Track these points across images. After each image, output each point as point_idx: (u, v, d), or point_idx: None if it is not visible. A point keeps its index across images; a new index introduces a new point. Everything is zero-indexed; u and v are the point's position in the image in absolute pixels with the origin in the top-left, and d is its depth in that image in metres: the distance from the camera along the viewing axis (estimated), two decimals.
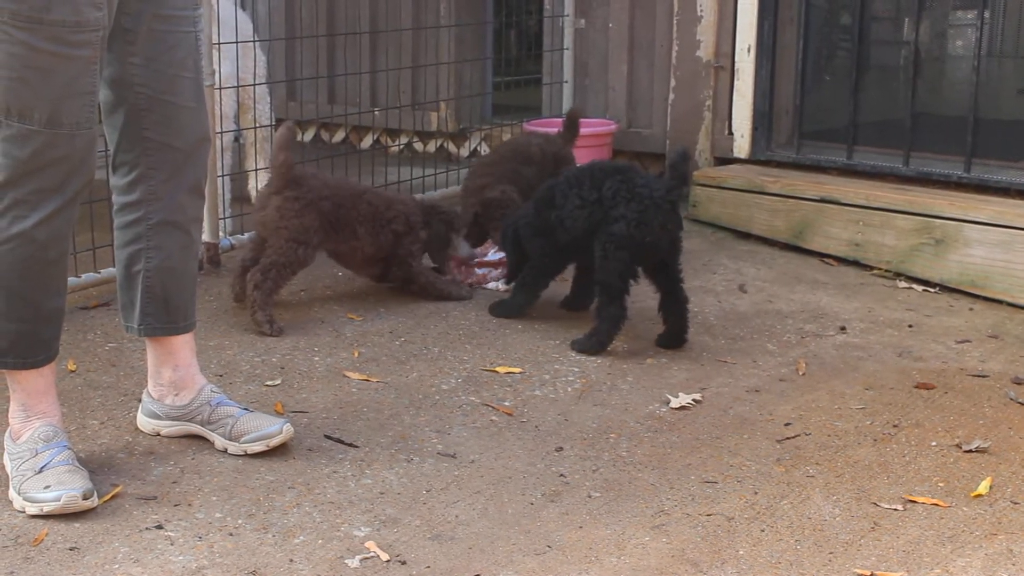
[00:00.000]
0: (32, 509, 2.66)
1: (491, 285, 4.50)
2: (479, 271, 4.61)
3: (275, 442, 2.98)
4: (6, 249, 2.66)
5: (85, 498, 2.66)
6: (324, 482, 2.86)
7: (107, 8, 2.65)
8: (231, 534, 2.61)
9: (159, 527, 2.63)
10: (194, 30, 2.89)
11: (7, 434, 2.84)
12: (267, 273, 3.95)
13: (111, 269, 4.19)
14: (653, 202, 3.74)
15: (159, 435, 3.09)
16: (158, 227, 2.93)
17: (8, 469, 2.78)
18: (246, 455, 2.98)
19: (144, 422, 3.11)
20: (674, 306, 3.86)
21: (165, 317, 3.00)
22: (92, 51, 2.63)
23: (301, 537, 2.60)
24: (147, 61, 2.81)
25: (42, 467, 2.72)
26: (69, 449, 2.79)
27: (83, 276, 4.17)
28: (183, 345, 3.06)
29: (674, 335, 3.87)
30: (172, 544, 2.56)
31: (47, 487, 2.66)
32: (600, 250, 3.78)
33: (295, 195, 4.01)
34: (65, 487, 2.66)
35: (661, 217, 3.75)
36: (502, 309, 4.11)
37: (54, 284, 2.77)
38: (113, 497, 2.75)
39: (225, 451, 3.00)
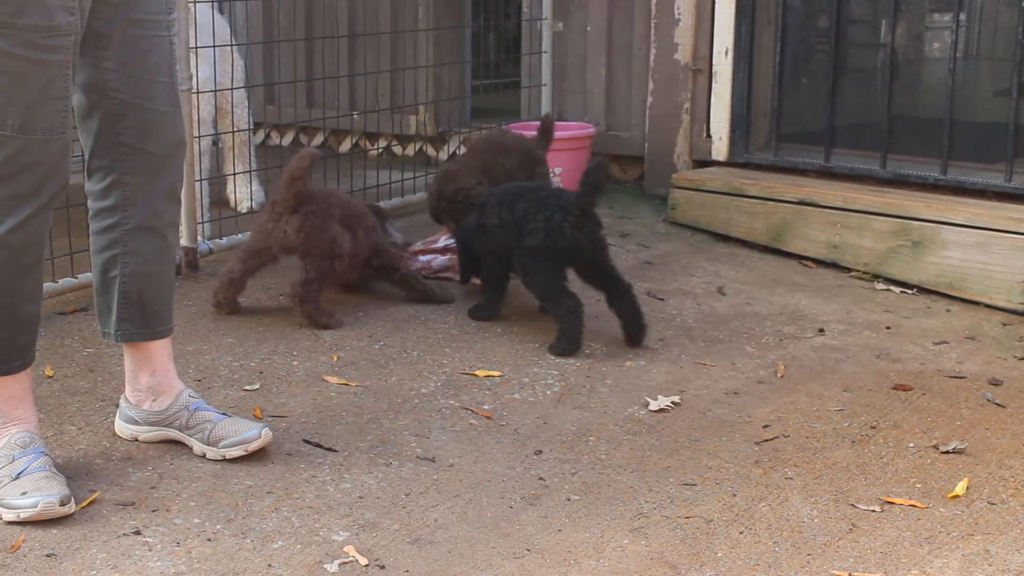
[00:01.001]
0: (8, 516, 2.64)
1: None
2: (423, 258, 4.64)
3: (254, 447, 2.97)
4: None
5: (62, 504, 2.65)
6: (303, 487, 2.86)
7: (79, 12, 2.64)
8: (209, 539, 2.60)
9: (137, 533, 2.62)
10: (168, 34, 2.88)
11: None
12: (308, 287, 3.97)
13: (88, 274, 4.16)
14: (561, 209, 3.82)
15: (137, 440, 3.08)
16: (134, 232, 2.92)
17: None
18: (224, 460, 2.97)
19: (122, 428, 3.10)
20: (620, 299, 3.91)
21: (142, 322, 2.99)
22: (65, 56, 2.62)
23: (280, 542, 2.60)
24: (121, 66, 2.80)
25: (19, 473, 2.70)
26: (46, 455, 2.78)
27: (60, 281, 4.15)
28: (160, 350, 3.05)
29: (633, 327, 3.90)
30: (150, 550, 2.55)
31: (24, 493, 2.65)
32: (520, 265, 3.90)
33: (311, 210, 3.99)
34: (42, 493, 2.65)
35: (572, 221, 3.81)
36: (479, 312, 4.12)
37: (29, 290, 2.76)
38: (91, 503, 2.74)
39: (203, 456, 2.99)
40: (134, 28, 2.80)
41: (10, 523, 2.64)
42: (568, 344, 3.80)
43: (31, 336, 2.82)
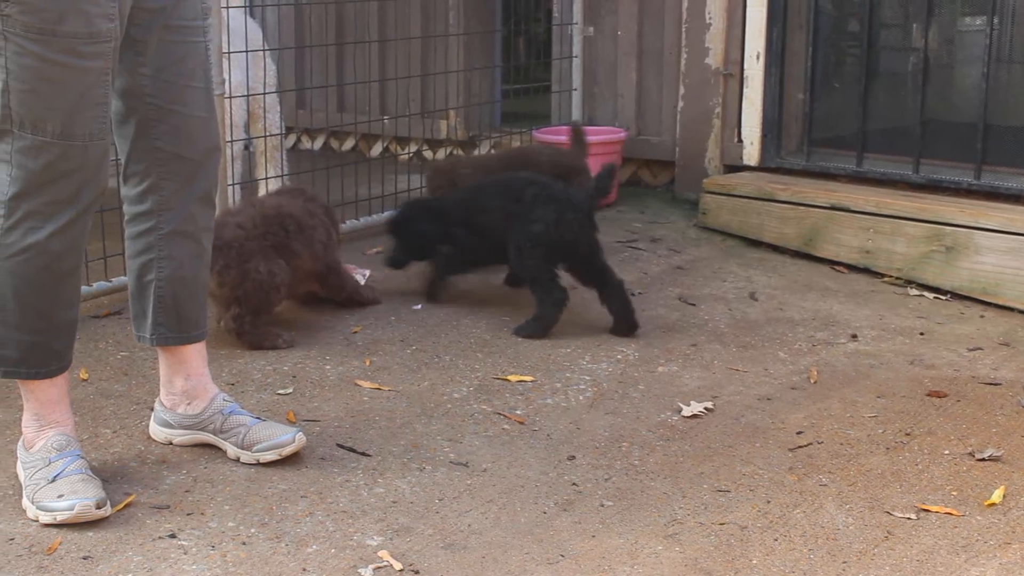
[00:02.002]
0: (45, 518, 2.66)
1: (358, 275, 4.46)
2: None
3: (287, 451, 2.98)
4: (20, 260, 2.67)
5: (98, 507, 2.67)
6: (337, 491, 2.86)
7: (119, 19, 2.65)
8: (244, 543, 2.61)
9: (172, 536, 2.63)
10: (204, 40, 2.90)
11: (20, 443, 2.85)
12: (240, 321, 3.84)
13: (122, 278, 4.20)
14: (572, 207, 3.99)
15: (171, 444, 3.09)
16: (169, 237, 2.93)
17: (21, 478, 2.79)
18: (259, 464, 2.98)
19: (156, 431, 3.12)
20: (613, 295, 4.04)
21: (177, 326, 3.00)
22: (104, 62, 2.63)
23: (314, 546, 2.60)
24: (157, 72, 2.82)
25: (55, 476, 2.72)
26: (82, 458, 2.80)
27: (94, 285, 4.17)
28: (195, 354, 3.07)
29: (624, 322, 4.03)
30: (185, 553, 2.56)
31: (60, 496, 2.67)
32: (515, 248, 4.04)
33: (225, 264, 3.80)
34: (78, 496, 2.66)
35: (579, 219, 3.99)
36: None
37: (67, 295, 2.78)
38: (126, 506, 2.76)
39: (237, 460, 3.00)
40: (170, 34, 2.81)
41: (47, 525, 2.65)
42: (538, 330, 3.98)
43: (68, 341, 2.83)
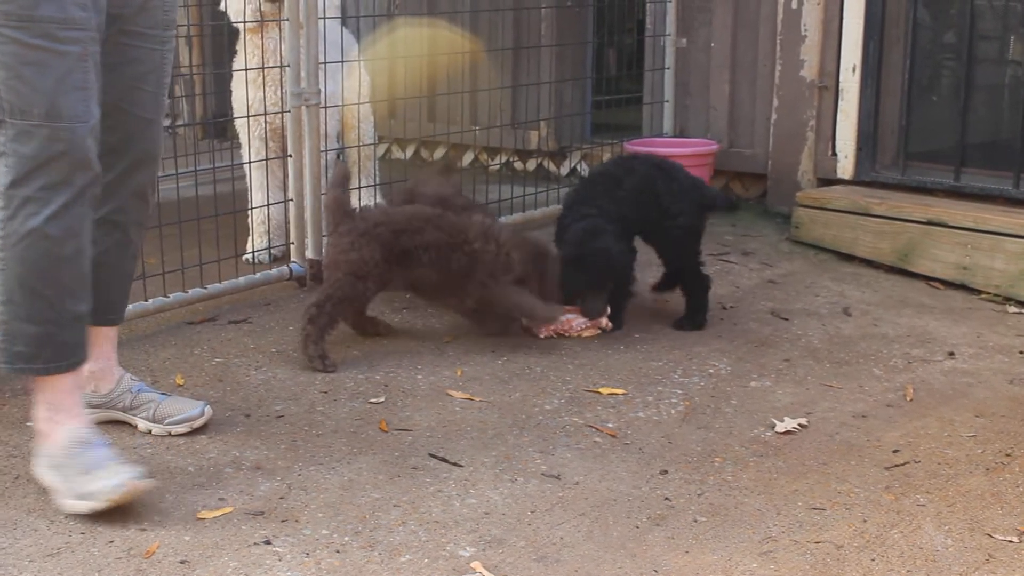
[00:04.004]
0: (92, 503, 2.71)
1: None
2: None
3: (198, 424, 3.19)
4: (23, 247, 2.74)
5: (140, 480, 2.74)
6: (429, 501, 2.87)
7: (93, 11, 2.76)
8: (338, 551, 2.62)
9: (267, 543, 2.65)
10: (161, 49, 3.04)
11: (41, 446, 2.85)
12: (322, 307, 3.78)
13: (218, 284, 4.27)
14: (710, 197, 4.30)
15: None
16: (99, 223, 3.00)
17: (50, 479, 2.81)
18: (171, 436, 3.17)
19: None
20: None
21: (95, 307, 3.01)
22: (82, 48, 2.73)
23: (407, 556, 2.61)
24: (109, 69, 2.91)
25: (89, 466, 2.76)
26: (109, 447, 2.85)
27: (190, 291, 4.21)
28: (105, 338, 3.18)
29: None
30: (280, 560, 2.58)
31: (102, 480, 2.72)
32: (669, 239, 4.24)
33: (348, 228, 3.82)
34: (122, 474, 2.73)
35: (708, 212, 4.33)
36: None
37: (70, 283, 2.81)
38: (222, 512, 2.78)
39: (149, 433, 3.18)
40: (127, 38, 2.95)
41: (98, 512, 2.70)
42: (702, 320, 4.20)
43: (79, 336, 2.86)
